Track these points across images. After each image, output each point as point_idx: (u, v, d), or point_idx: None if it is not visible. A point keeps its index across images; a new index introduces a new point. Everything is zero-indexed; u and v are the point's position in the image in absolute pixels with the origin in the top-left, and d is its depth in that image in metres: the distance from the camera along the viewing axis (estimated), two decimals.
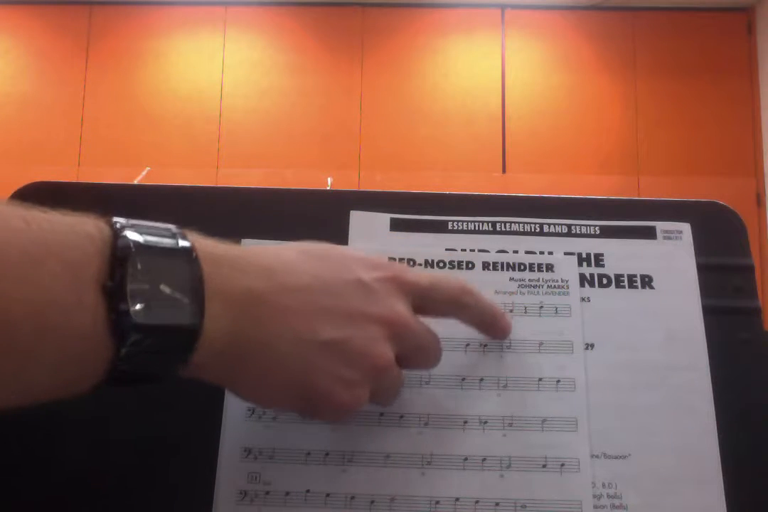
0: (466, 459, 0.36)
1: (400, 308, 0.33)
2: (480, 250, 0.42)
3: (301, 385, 0.31)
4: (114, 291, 0.25)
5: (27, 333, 0.23)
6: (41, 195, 0.42)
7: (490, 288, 0.40)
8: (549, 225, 0.42)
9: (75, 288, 0.25)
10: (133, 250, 0.26)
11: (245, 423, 0.37)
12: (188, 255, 0.28)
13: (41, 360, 0.24)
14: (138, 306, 0.25)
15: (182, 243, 0.28)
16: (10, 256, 0.24)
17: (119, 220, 0.28)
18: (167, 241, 0.28)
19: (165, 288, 0.26)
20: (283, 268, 0.31)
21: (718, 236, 0.42)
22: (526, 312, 0.40)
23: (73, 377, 0.26)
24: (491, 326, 0.38)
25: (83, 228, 0.27)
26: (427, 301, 0.35)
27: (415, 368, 0.36)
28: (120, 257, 0.26)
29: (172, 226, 0.29)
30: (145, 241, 0.27)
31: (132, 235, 0.27)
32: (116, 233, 0.27)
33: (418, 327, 0.34)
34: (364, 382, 0.32)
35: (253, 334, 0.29)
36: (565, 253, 0.42)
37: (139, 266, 0.26)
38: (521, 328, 0.39)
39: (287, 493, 0.35)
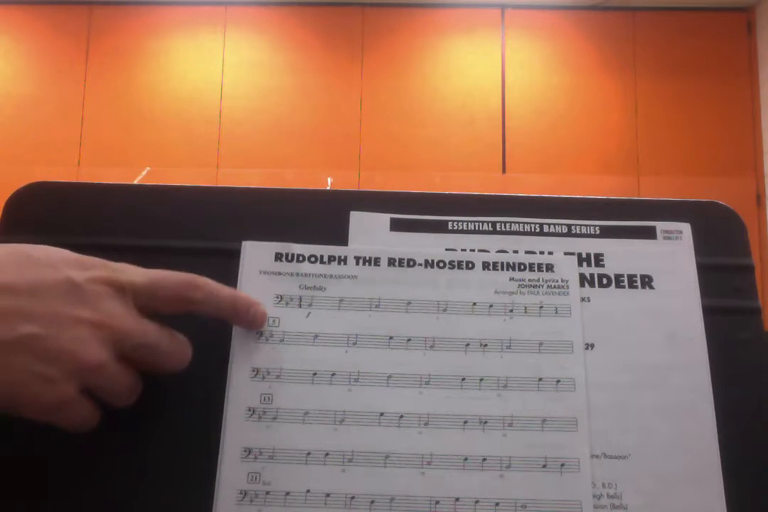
0: (466, 459, 0.36)
1: (115, 309, 0.33)
2: (480, 250, 0.42)
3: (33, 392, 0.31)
4: None
5: None
6: (41, 195, 0.42)
7: (490, 288, 0.40)
8: (549, 225, 0.42)
9: None
10: None
11: (245, 423, 0.37)
12: None
13: None
14: None
15: None
16: None
17: None
18: None
19: None
20: None
21: (718, 236, 0.42)
22: (526, 312, 0.40)
23: None
24: (235, 318, 0.37)
25: None
26: (151, 300, 0.34)
27: (157, 370, 0.35)
28: None
29: None
30: None
31: None
32: None
33: (140, 327, 0.33)
34: (68, 380, 0.31)
35: None
36: (565, 253, 0.42)
37: None
38: (521, 328, 0.39)
39: (287, 493, 0.35)
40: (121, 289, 0.34)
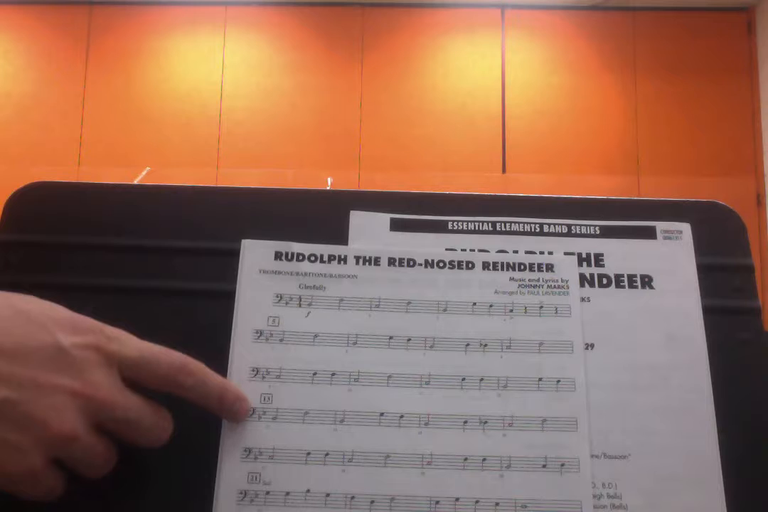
0: (466, 459, 0.36)
1: (99, 379, 0.32)
2: (480, 250, 0.42)
3: None
4: None
5: None
6: (41, 195, 0.42)
7: (490, 288, 0.40)
8: (549, 225, 0.42)
9: None
10: None
11: (245, 423, 0.37)
12: None
13: None
14: None
15: None
16: None
17: None
18: None
19: None
20: None
21: (718, 236, 0.42)
22: (526, 312, 0.40)
23: None
24: (218, 410, 0.36)
25: None
26: (139, 376, 0.33)
27: (133, 443, 0.34)
28: None
29: None
30: None
31: None
32: None
33: (123, 400, 0.32)
34: (36, 449, 0.30)
35: None
36: (565, 253, 0.42)
37: None
38: (521, 328, 0.39)
39: (287, 493, 0.35)
40: (109, 359, 0.32)
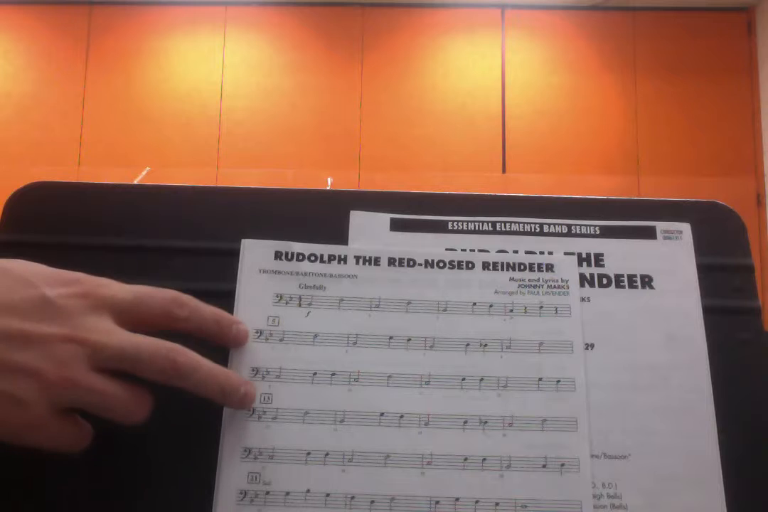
0: (466, 459, 0.36)
1: (90, 324, 0.32)
2: (480, 250, 0.42)
3: None
4: None
5: None
6: (41, 195, 0.42)
7: (490, 288, 0.40)
8: (549, 225, 0.42)
9: None
10: None
11: (245, 423, 0.37)
12: None
13: None
14: None
15: None
16: None
17: None
18: None
19: None
20: None
21: (718, 236, 0.42)
22: (526, 312, 0.40)
23: None
24: (218, 337, 0.36)
25: None
26: (133, 316, 0.33)
27: (152, 379, 0.33)
28: None
29: None
30: None
31: None
32: None
33: (119, 338, 0.32)
34: (37, 400, 0.30)
35: None
36: (565, 253, 0.42)
37: None
38: (521, 328, 0.39)
39: (287, 493, 0.35)
40: (100, 304, 0.33)
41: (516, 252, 0.42)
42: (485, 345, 0.39)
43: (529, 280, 0.41)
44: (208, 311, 0.36)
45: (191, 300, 0.35)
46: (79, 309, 0.32)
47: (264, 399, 0.37)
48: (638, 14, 3.26)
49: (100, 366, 0.32)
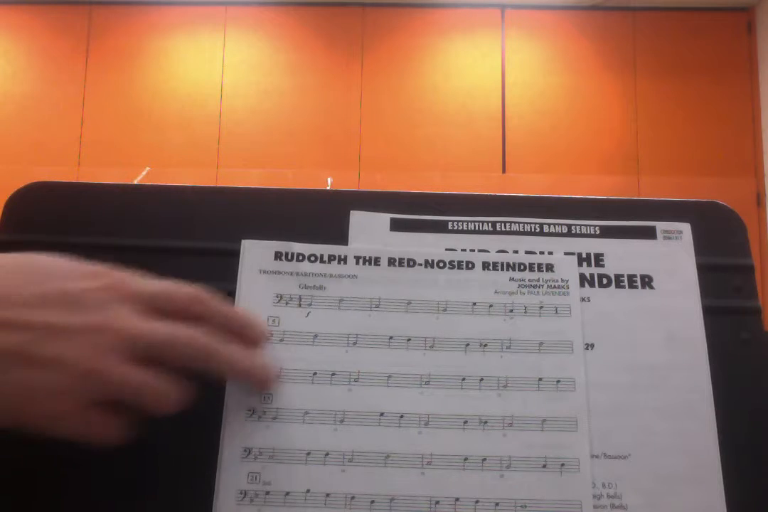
0: (466, 459, 0.36)
1: (117, 313, 0.32)
2: (480, 250, 0.42)
3: (28, 406, 0.30)
4: None
5: None
6: (41, 195, 0.42)
7: (490, 288, 0.40)
8: (549, 225, 0.42)
9: None
10: None
11: (245, 423, 0.37)
12: None
13: None
14: None
15: None
16: None
17: None
18: None
19: None
20: None
21: (718, 236, 0.42)
22: (526, 312, 0.40)
23: None
24: (240, 335, 0.36)
25: None
26: (157, 309, 0.34)
27: (184, 365, 0.33)
28: None
29: None
30: None
31: None
32: None
33: (148, 326, 0.32)
34: (70, 390, 0.30)
35: None
36: (565, 253, 0.42)
37: None
38: (521, 328, 0.39)
39: (287, 493, 0.35)
40: (125, 296, 0.33)
41: (516, 252, 0.42)
42: (485, 345, 0.39)
43: (529, 280, 0.41)
44: (228, 310, 0.36)
45: (209, 299, 0.35)
46: (105, 300, 0.32)
47: (264, 399, 0.37)
48: (638, 14, 3.26)
49: (130, 356, 0.32)
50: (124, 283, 0.34)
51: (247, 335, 0.37)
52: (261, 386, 0.37)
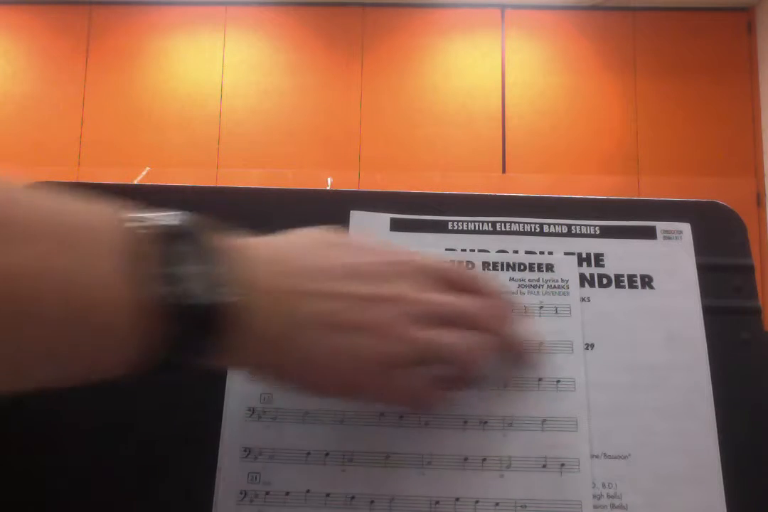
0: (466, 459, 0.36)
1: (411, 286, 0.33)
2: (480, 250, 0.42)
3: (334, 369, 0.32)
4: (164, 274, 0.26)
5: (70, 310, 0.24)
6: None
7: None
8: (549, 225, 0.42)
9: (124, 269, 0.26)
10: (183, 232, 0.28)
11: (245, 423, 0.37)
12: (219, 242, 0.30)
13: (79, 340, 0.25)
14: (186, 287, 0.27)
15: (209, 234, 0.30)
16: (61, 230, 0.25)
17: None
18: (202, 229, 0.30)
19: (207, 269, 0.28)
20: (296, 255, 0.33)
21: (718, 236, 0.42)
22: (526, 313, 0.40)
23: (113, 360, 0.27)
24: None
25: (113, 215, 0.29)
26: (443, 283, 0.35)
27: (490, 331, 0.35)
28: (171, 236, 0.28)
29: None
30: (189, 226, 0.29)
31: (175, 220, 0.29)
32: (155, 219, 0.29)
33: (443, 297, 0.34)
34: (377, 355, 0.32)
35: (285, 320, 0.30)
36: (565, 253, 0.42)
37: (186, 248, 0.28)
38: (521, 328, 0.39)
39: (287, 493, 0.35)
40: (414, 270, 0.34)
41: (516, 252, 0.42)
42: None
43: (529, 280, 0.41)
44: (495, 292, 0.37)
45: (482, 277, 0.37)
46: (398, 274, 0.34)
47: (264, 399, 0.37)
48: (638, 14, 3.26)
49: (428, 323, 0.33)
50: (411, 258, 0.35)
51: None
52: (525, 360, 0.38)
